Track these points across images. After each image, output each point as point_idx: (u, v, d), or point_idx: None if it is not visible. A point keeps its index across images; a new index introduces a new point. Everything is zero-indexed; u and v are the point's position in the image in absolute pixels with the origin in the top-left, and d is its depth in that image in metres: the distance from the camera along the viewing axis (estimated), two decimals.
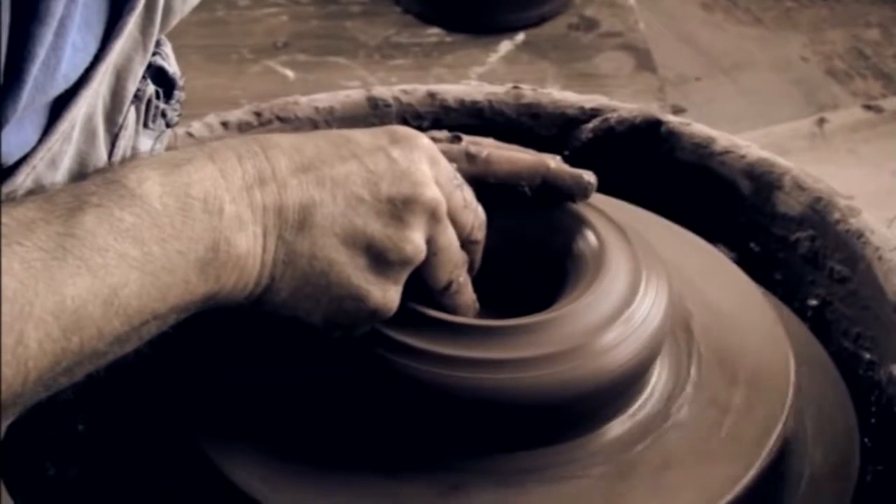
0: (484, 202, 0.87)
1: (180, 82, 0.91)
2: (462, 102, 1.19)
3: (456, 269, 0.84)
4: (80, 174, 0.75)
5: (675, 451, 0.84)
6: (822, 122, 2.16)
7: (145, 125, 0.89)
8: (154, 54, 0.86)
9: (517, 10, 2.21)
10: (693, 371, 0.90)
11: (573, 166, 0.92)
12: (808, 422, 0.93)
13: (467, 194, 0.85)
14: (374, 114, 1.18)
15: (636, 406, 0.86)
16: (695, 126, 1.16)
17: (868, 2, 2.52)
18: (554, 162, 0.91)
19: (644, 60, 2.15)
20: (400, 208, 0.79)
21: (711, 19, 2.48)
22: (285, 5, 2.26)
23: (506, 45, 2.18)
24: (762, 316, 0.96)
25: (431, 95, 1.19)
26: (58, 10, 0.71)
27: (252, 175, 0.75)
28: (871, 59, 2.36)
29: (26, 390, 0.65)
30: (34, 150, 0.77)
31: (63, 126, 0.78)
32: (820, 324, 1.07)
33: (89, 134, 0.82)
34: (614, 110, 1.18)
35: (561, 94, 1.20)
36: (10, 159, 0.76)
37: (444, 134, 0.90)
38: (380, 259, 0.78)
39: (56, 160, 0.79)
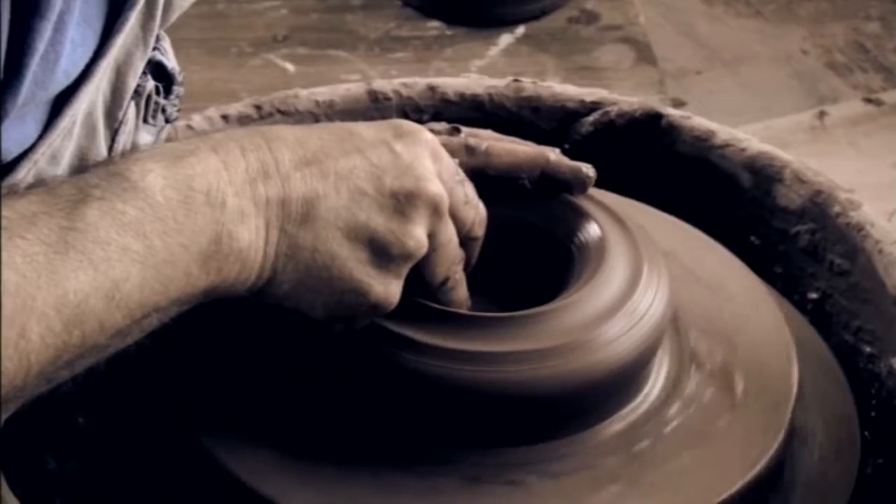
0: (483, 194, 0.87)
1: (179, 77, 0.91)
2: (462, 96, 1.19)
3: (453, 266, 0.84)
4: (81, 169, 0.75)
5: (677, 445, 0.84)
6: (822, 115, 2.15)
7: (145, 120, 0.89)
8: (153, 49, 0.86)
9: (517, 3, 2.21)
10: (694, 363, 0.90)
11: (573, 159, 0.92)
12: (809, 415, 0.93)
13: (469, 190, 0.85)
14: (375, 107, 1.18)
15: (639, 399, 0.86)
16: (695, 119, 1.16)
17: None
18: (553, 154, 0.91)
19: (644, 53, 2.15)
20: (403, 203, 0.78)
21: (712, 12, 2.47)
22: None
23: (506, 39, 2.18)
24: (763, 307, 0.96)
25: (432, 89, 1.19)
26: (57, 4, 0.70)
27: (255, 168, 0.74)
28: (872, 52, 2.36)
29: (28, 384, 0.65)
30: (35, 145, 0.77)
31: (64, 122, 0.77)
32: (820, 317, 1.07)
33: (90, 129, 0.82)
34: (614, 103, 1.18)
35: (561, 88, 1.20)
36: (9, 155, 0.76)
37: (443, 126, 0.90)
38: (382, 253, 0.78)
39: (57, 156, 0.79)
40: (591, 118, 1.17)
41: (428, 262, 0.82)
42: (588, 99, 1.18)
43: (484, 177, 0.88)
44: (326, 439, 0.83)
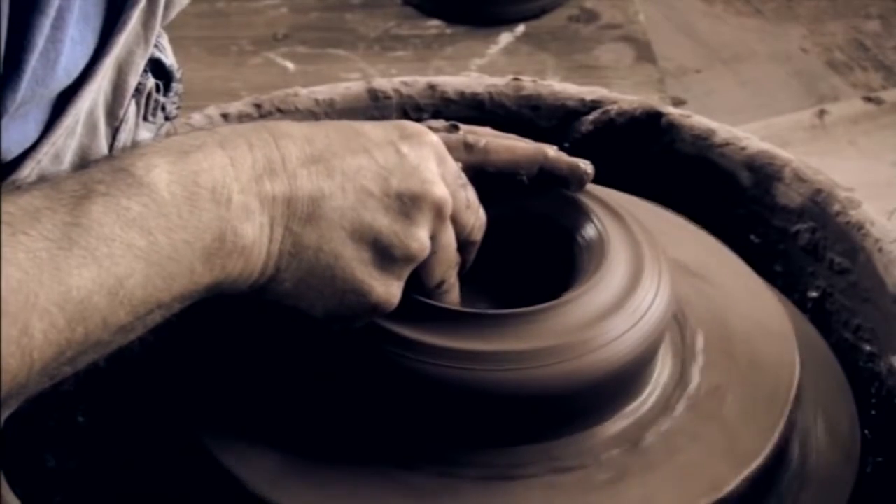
0: (483, 190, 0.87)
1: (178, 74, 0.91)
2: (462, 94, 1.19)
3: (450, 269, 0.84)
4: (82, 167, 0.75)
5: (679, 443, 0.84)
6: (822, 113, 2.15)
7: (145, 118, 0.88)
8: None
9: (517, 1, 2.21)
10: (696, 360, 0.90)
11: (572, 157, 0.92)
12: (809, 413, 0.93)
13: (470, 194, 0.85)
14: (375, 106, 1.18)
15: (641, 397, 0.86)
16: (695, 118, 1.16)
17: None
18: (552, 151, 0.91)
19: (644, 52, 2.14)
20: (408, 205, 0.78)
21: (711, 11, 2.47)
22: None
23: (506, 37, 2.18)
24: (764, 302, 0.96)
25: (432, 87, 1.19)
26: (55, 0, 0.70)
27: (262, 164, 0.74)
28: (872, 50, 2.36)
29: (31, 380, 0.65)
30: (39, 144, 0.77)
31: (67, 121, 0.77)
32: (820, 315, 1.07)
33: (91, 128, 0.82)
34: (614, 102, 1.18)
35: (561, 86, 1.20)
36: (9, 154, 0.75)
37: (441, 123, 0.90)
38: (385, 254, 0.78)
39: (60, 154, 0.79)
40: (591, 117, 1.17)
41: (427, 264, 0.82)
42: (588, 97, 1.18)
43: (483, 174, 0.88)
44: (328, 440, 0.83)
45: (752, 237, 1.13)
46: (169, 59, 0.90)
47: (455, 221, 0.83)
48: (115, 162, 0.71)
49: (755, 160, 1.11)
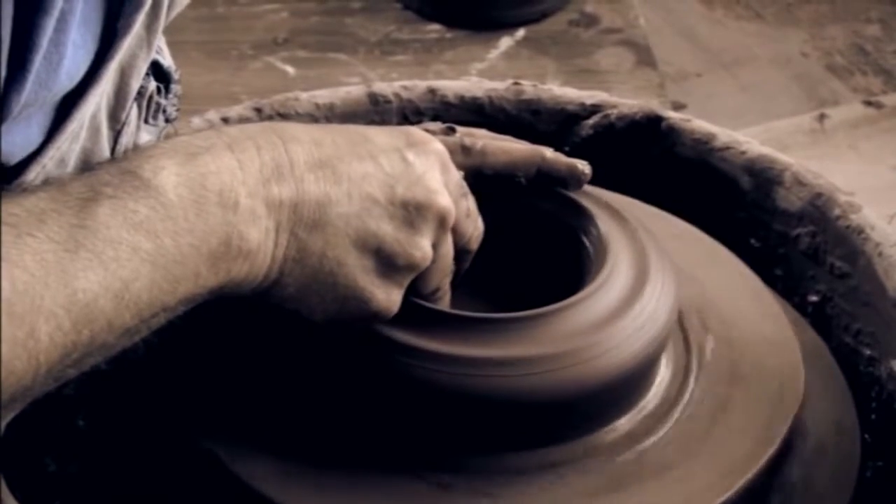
0: (482, 192, 0.87)
1: (176, 76, 0.91)
2: (462, 98, 1.19)
3: (446, 277, 0.84)
4: (85, 171, 0.75)
5: (680, 448, 0.84)
6: (822, 117, 2.15)
7: (146, 121, 0.88)
8: None
9: (517, 6, 2.21)
10: (697, 366, 0.90)
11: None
12: (809, 417, 0.93)
13: (471, 204, 0.85)
14: (375, 110, 1.18)
15: (642, 402, 0.86)
16: (695, 122, 1.16)
17: None
18: (549, 152, 0.91)
19: (644, 56, 2.15)
20: (413, 214, 0.78)
21: (711, 15, 2.47)
22: (285, 1, 2.26)
23: (506, 42, 2.18)
24: (765, 307, 0.96)
25: (432, 91, 1.19)
26: (59, 1, 0.70)
27: (270, 168, 0.74)
28: (872, 54, 2.36)
29: (36, 383, 0.65)
30: (44, 148, 0.77)
31: (72, 125, 0.77)
32: (820, 319, 1.07)
33: (94, 131, 0.82)
34: (615, 106, 1.18)
35: (561, 90, 1.20)
36: (12, 159, 0.75)
37: (437, 126, 0.90)
38: (387, 262, 0.78)
39: (65, 159, 0.79)
40: (591, 121, 1.17)
41: (426, 271, 0.82)
42: (588, 102, 1.18)
43: (481, 176, 0.88)
44: (330, 444, 0.83)
45: (753, 241, 1.13)
46: (166, 60, 0.90)
47: (454, 230, 0.83)
48: (123, 164, 0.70)
49: (755, 164, 1.11)
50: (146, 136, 0.88)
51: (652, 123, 1.16)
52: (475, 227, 0.86)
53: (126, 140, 0.85)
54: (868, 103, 2.20)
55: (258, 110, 1.15)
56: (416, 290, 0.82)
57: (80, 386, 0.89)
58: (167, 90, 0.90)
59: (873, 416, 0.98)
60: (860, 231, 1.03)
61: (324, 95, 1.18)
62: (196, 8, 2.18)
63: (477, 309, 0.86)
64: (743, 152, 1.12)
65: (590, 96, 1.19)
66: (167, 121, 0.91)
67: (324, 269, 0.76)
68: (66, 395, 0.90)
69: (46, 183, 0.70)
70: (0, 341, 0.62)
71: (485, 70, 2.09)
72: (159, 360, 0.88)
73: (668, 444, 0.84)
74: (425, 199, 0.79)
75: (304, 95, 1.17)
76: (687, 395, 0.88)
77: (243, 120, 1.13)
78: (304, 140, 0.77)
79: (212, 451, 0.83)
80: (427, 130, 0.85)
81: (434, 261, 0.81)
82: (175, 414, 0.87)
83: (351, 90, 1.19)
